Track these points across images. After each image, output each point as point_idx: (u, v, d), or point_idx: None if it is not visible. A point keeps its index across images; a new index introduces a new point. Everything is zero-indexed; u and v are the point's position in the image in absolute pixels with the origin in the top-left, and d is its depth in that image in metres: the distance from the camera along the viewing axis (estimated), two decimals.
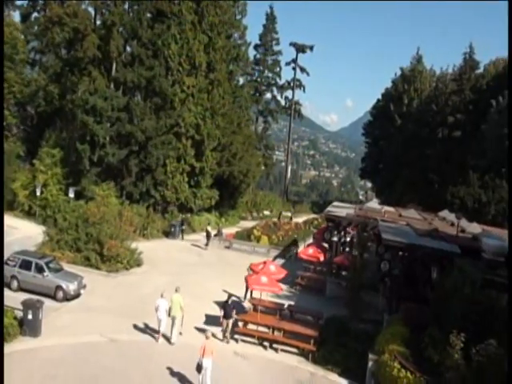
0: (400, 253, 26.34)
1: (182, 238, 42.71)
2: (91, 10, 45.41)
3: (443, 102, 66.15)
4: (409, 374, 16.62)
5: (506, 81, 56.79)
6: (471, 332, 16.45)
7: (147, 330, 22.09)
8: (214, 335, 21.06)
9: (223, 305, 22.50)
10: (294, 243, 42.35)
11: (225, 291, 26.05)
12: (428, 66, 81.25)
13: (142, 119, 42.58)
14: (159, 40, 44.35)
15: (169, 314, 21.13)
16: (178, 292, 21.62)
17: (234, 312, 22.63)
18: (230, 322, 22.17)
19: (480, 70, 68.57)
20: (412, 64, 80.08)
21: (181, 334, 21.59)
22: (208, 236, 41.65)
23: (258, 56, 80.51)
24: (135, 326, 22.27)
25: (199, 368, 16.98)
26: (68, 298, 24.75)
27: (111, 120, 41.92)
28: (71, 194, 41.02)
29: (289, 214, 61.89)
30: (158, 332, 21.33)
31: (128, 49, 44.90)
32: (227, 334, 22.16)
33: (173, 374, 18.23)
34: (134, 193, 43.73)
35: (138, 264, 32.43)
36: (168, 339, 21.25)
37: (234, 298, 22.93)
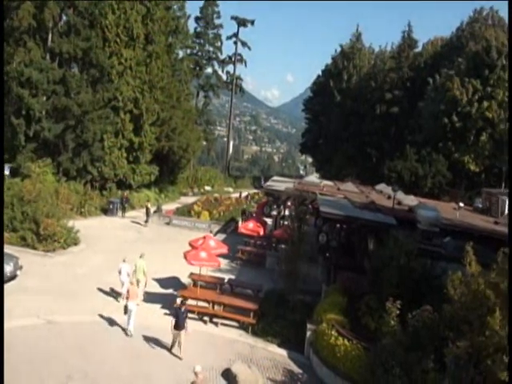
0: (338, 225, 26.67)
1: (123, 216, 41.67)
2: None
3: (381, 79, 67.43)
4: (346, 342, 16.92)
5: (443, 60, 58.42)
6: (406, 299, 16.90)
7: (85, 310, 21.39)
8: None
9: (175, 312, 18.60)
10: (243, 212, 42.38)
11: (182, 298, 20.80)
12: (367, 44, 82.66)
13: (78, 92, 40.82)
14: (96, 9, 42.53)
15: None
16: (142, 258, 23.60)
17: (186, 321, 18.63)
18: (183, 333, 18.19)
19: (418, 49, 70.17)
20: (351, 41, 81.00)
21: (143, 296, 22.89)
22: (147, 213, 40.91)
23: (199, 29, 79.33)
24: (73, 307, 21.51)
25: (126, 310, 19.38)
26: (4, 279, 23.69)
27: (47, 93, 39.93)
28: (6, 172, 38.97)
29: (230, 190, 61.78)
30: (121, 294, 22.70)
31: (64, 18, 42.84)
32: (179, 350, 18.22)
33: (110, 354, 17.73)
34: (71, 169, 42.13)
35: (75, 243, 31.40)
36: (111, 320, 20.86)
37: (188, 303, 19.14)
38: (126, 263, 23.26)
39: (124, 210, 42.36)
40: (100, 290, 24.03)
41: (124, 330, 19.58)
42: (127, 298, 19.59)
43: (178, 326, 18.10)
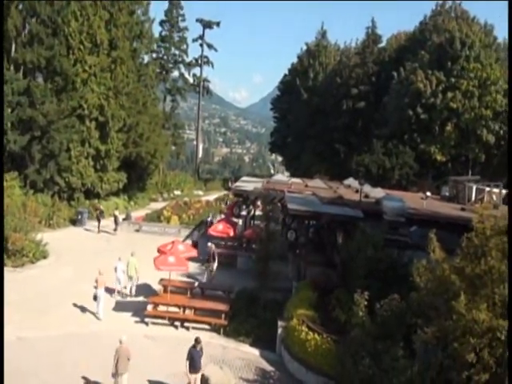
0: (306, 221, 26.64)
1: (99, 230, 39.94)
2: None
3: (347, 75, 67.83)
4: (316, 336, 16.91)
5: (407, 53, 59.08)
6: (375, 289, 16.94)
7: (55, 324, 20.90)
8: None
9: (189, 352, 15.76)
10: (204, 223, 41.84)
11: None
12: (332, 41, 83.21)
13: (43, 102, 40.06)
14: (59, 17, 41.84)
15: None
16: (133, 256, 25.31)
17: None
18: (199, 376, 15.80)
19: (382, 44, 70.84)
20: (317, 39, 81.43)
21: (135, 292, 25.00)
22: (116, 221, 40.27)
23: (164, 33, 78.69)
24: (42, 321, 21.01)
25: (95, 297, 21.64)
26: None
27: (11, 105, 39.16)
28: None
29: (200, 193, 61.44)
30: (114, 290, 24.76)
31: (27, 27, 42.01)
32: None
33: (83, 366, 17.33)
34: (38, 181, 41.29)
35: (44, 256, 30.68)
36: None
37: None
38: (120, 261, 25.22)
39: (99, 222, 40.51)
40: (70, 302, 23.55)
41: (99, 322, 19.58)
42: (95, 288, 21.91)
43: (195, 368, 15.63)
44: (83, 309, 22.92)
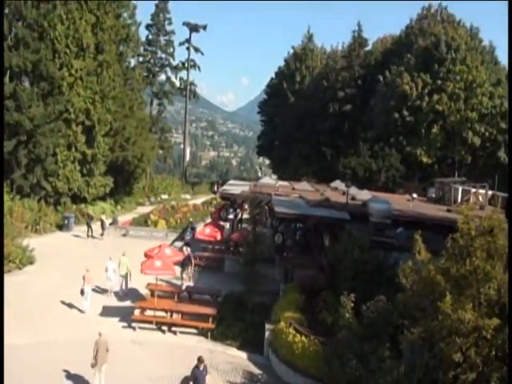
0: (293, 224, 26.65)
1: (92, 236, 39.50)
2: None
3: (334, 78, 68.10)
4: (303, 338, 16.91)
5: (393, 57, 59.46)
6: (362, 291, 17.01)
7: (42, 330, 20.64)
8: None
9: (192, 373, 14.80)
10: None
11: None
12: (319, 45, 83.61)
13: (29, 106, 39.67)
14: (45, 21, 41.53)
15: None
16: (124, 256, 26.23)
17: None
18: None
19: (368, 47, 71.25)
20: (303, 43, 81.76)
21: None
22: (102, 225, 39.97)
23: (151, 36, 78.62)
24: (29, 328, 20.71)
25: (82, 292, 22.76)
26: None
27: None
28: None
29: (188, 197, 61.24)
30: (109, 290, 25.42)
31: (14, 31, 41.66)
32: None
33: (69, 372, 17.17)
34: (25, 186, 40.84)
35: (31, 262, 30.35)
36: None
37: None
38: (111, 261, 25.85)
39: (90, 228, 39.79)
40: (57, 308, 23.37)
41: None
42: (83, 284, 22.99)
43: None
44: (70, 314, 22.73)
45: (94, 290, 25.00)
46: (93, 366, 15.92)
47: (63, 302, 23.84)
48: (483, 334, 12.03)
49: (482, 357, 12.08)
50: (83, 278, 23.17)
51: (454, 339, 12.20)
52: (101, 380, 16.00)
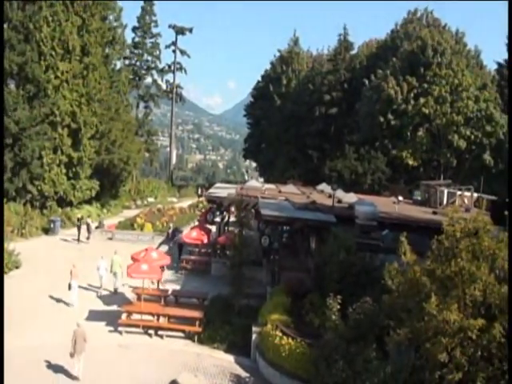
0: (280, 227, 26.69)
1: (79, 240, 39.13)
2: None
3: (320, 82, 68.23)
4: (290, 340, 16.93)
5: (379, 60, 59.80)
6: (348, 293, 17.11)
7: (29, 335, 20.45)
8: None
9: None
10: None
11: None
12: (305, 48, 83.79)
13: (15, 109, 39.44)
14: (30, 23, 41.27)
15: (110, 271, 26.59)
16: (116, 254, 27.10)
17: None
18: None
19: (354, 51, 71.57)
20: (289, 46, 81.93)
21: (123, 285, 26.48)
22: (88, 229, 39.68)
23: (137, 39, 78.22)
24: (16, 332, 20.37)
25: (69, 287, 23.77)
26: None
27: None
28: None
29: (174, 200, 61.08)
30: (100, 287, 26.43)
31: None
32: None
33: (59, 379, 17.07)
34: (10, 189, 40.50)
35: (17, 266, 30.07)
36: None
37: None
38: (103, 260, 26.85)
39: (79, 233, 39.34)
40: (44, 312, 23.19)
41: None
42: (71, 278, 24.07)
43: None
44: (57, 319, 22.46)
45: (86, 288, 26.46)
46: (71, 355, 16.83)
47: (50, 306, 23.75)
48: (468, 335, 12.12)
49: (468, 357, 12.18)
50: (70, 273, 24.24)
51: (440, 340, 12.30)
52: (80, 368, 16.85)
